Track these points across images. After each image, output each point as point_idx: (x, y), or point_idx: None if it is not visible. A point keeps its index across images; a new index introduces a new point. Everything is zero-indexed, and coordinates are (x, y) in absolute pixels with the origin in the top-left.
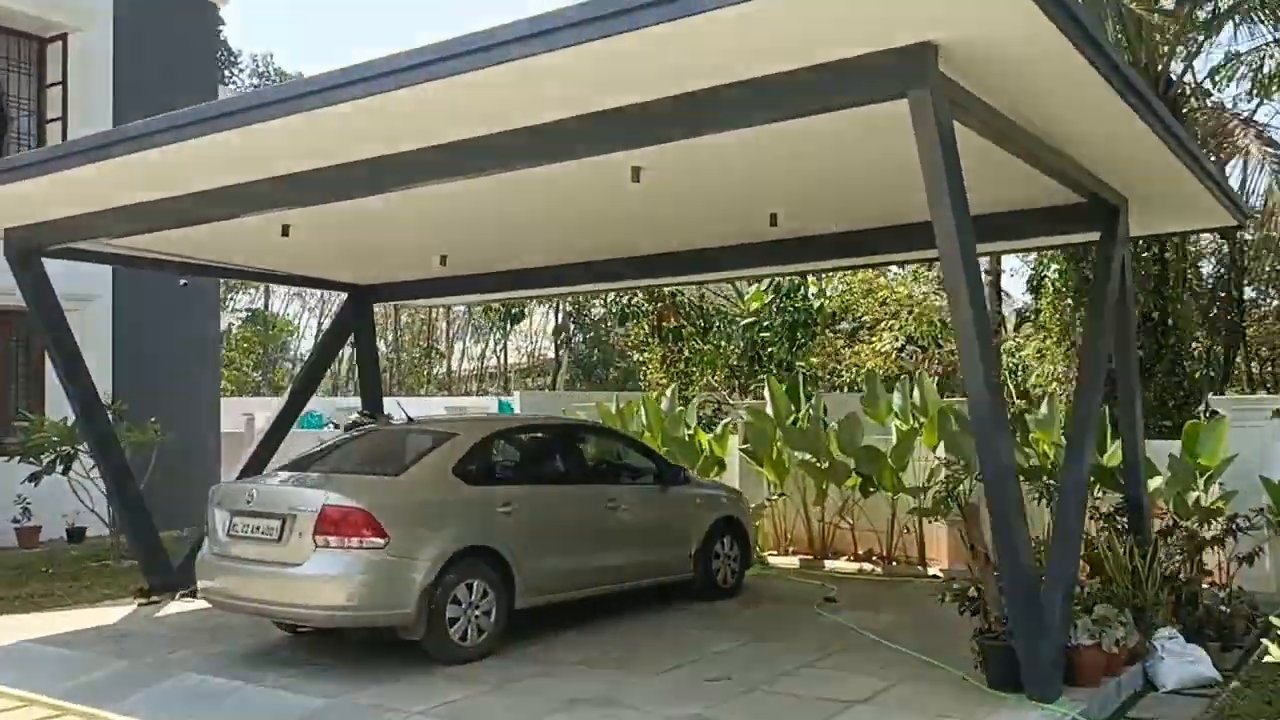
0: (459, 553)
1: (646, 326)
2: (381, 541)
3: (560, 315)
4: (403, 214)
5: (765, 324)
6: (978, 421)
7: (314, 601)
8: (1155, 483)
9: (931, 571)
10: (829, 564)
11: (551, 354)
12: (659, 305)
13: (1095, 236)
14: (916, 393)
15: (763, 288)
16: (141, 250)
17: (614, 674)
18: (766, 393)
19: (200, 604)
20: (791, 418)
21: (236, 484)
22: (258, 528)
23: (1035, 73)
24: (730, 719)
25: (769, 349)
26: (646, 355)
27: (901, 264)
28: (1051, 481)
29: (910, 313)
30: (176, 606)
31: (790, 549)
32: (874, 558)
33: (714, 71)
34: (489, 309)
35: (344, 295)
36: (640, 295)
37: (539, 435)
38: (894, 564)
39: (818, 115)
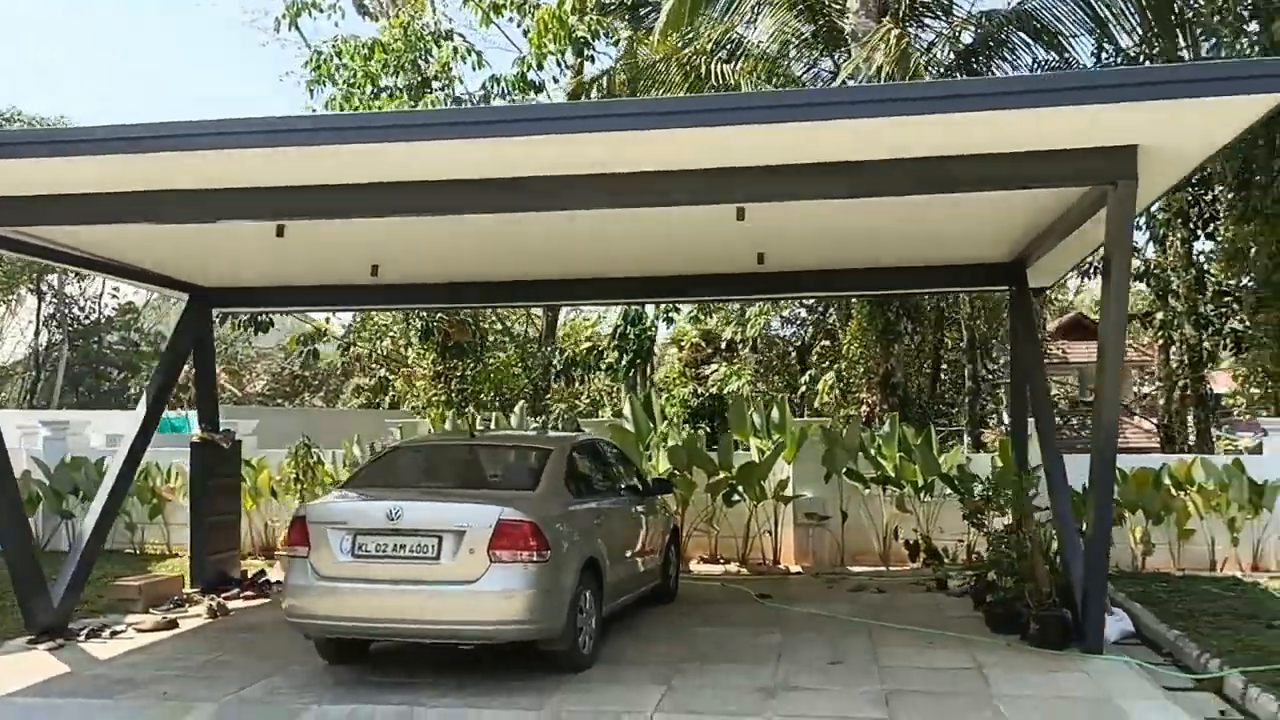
0: (584, 563)
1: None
2: (548, 554)
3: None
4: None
5: (603, 350)
6: (1104, 438)
7: (488, 618)
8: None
9: (793, 569)
10: (695, 568)
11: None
12: (445, 321)
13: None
14: (775, 413)
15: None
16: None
17: (734, 667)
18: (626, 409)
19: (144, 638)
20: (650, 435)
21: (362, 502)
22: (404, 546)
23: None
24: (906, 699)
25: (598, 372)
26: (418, 372)
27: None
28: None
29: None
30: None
31: None
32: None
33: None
34: None
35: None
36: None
37: (589, 449)
38: (761, 565)
39: None
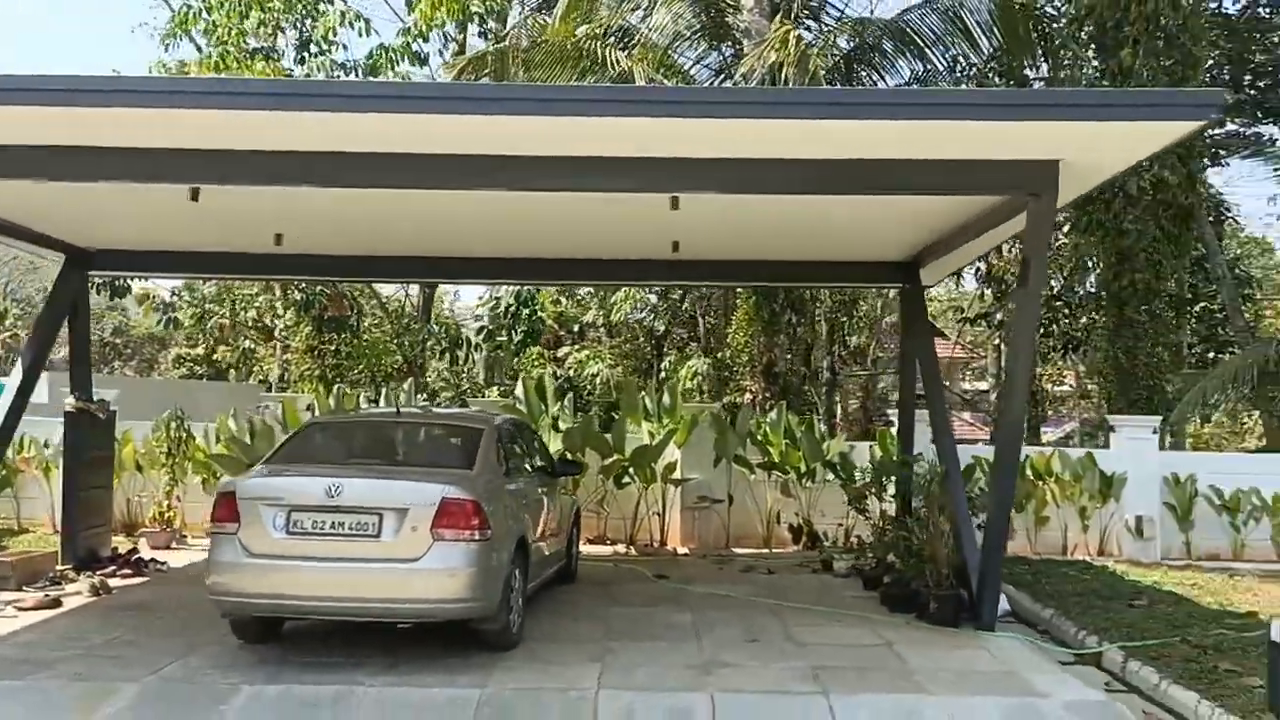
0: (516, 543)
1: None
2: (489, 533)
3: None
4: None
5: (495, 329)
6: (1009, 431)
7: (430, 595)
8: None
9: (681, 550)
10: (584, 549)
11: None
12: (325, 295)
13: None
14: (667, 398)
15: (495, 294)
16: None
17: (656, 645)
18: (519, 390)
19: (27, 617)
20: (542, 416)
21: (298, 478)
22: (343, 523)
23: None
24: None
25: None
26: (293, 345)
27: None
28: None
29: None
30: None
31: None
32: (622, 542)
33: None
34: None
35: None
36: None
37: (511, 429)
38: (648, 546)
39: None
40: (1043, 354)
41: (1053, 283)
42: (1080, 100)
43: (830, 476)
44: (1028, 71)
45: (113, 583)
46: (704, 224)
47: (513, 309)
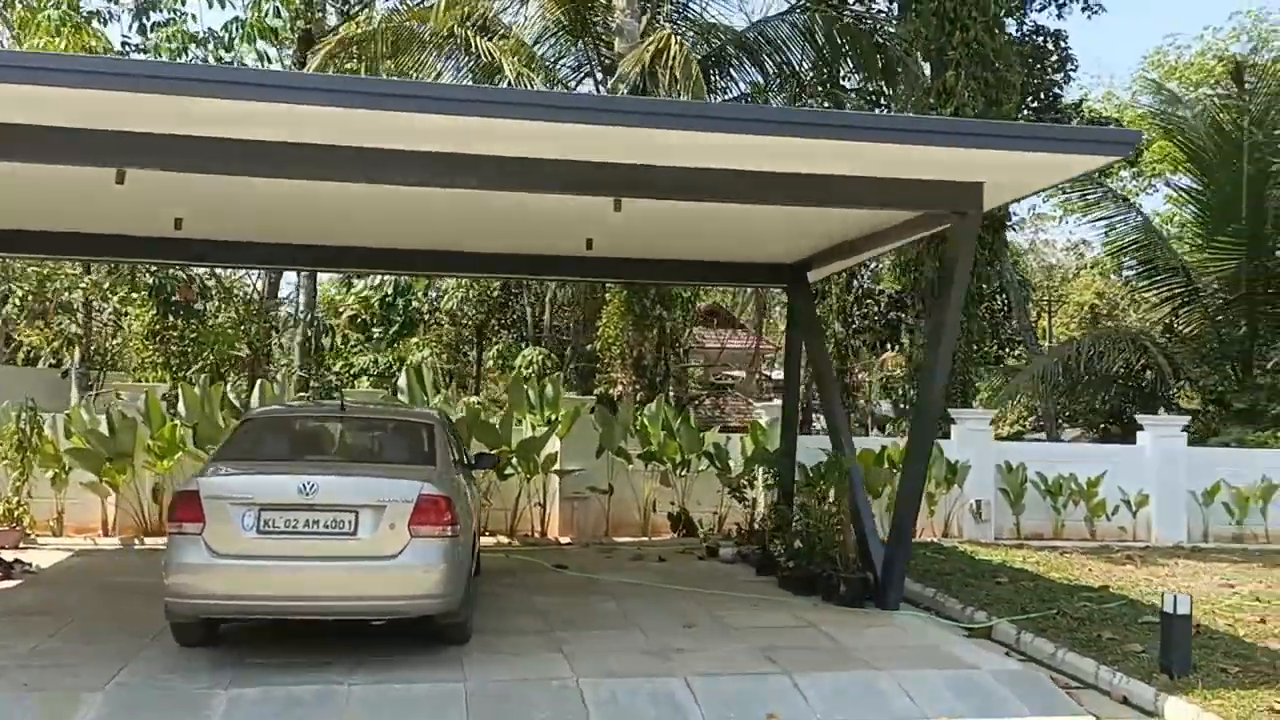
0: (472, 537)
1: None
2: (458, 528)
3: None
4: None
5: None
6: (924, 423)
7: (406, 592)
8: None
9: (564, 540)
10: None
11: None
12: (177, 279)
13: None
14: (550, 390)
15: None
16: None
17: (604, 634)
18: (402, 380)
19: None
20: (425, 406)
21: (268, 476)
22: (318, 521)
23: None
24: (783, 654)
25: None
26: (133, 329)
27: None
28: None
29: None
30: None
31: None
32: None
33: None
34: None
35: None
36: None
37: (448, 424)
38: (529, 537)
39: None
40: (854, 349)
41: (888, 284)
42: (1010, 132)
43: (704, 466)
44: (845, 83)
45: None
46: (621, 223)
47: (389, 299)
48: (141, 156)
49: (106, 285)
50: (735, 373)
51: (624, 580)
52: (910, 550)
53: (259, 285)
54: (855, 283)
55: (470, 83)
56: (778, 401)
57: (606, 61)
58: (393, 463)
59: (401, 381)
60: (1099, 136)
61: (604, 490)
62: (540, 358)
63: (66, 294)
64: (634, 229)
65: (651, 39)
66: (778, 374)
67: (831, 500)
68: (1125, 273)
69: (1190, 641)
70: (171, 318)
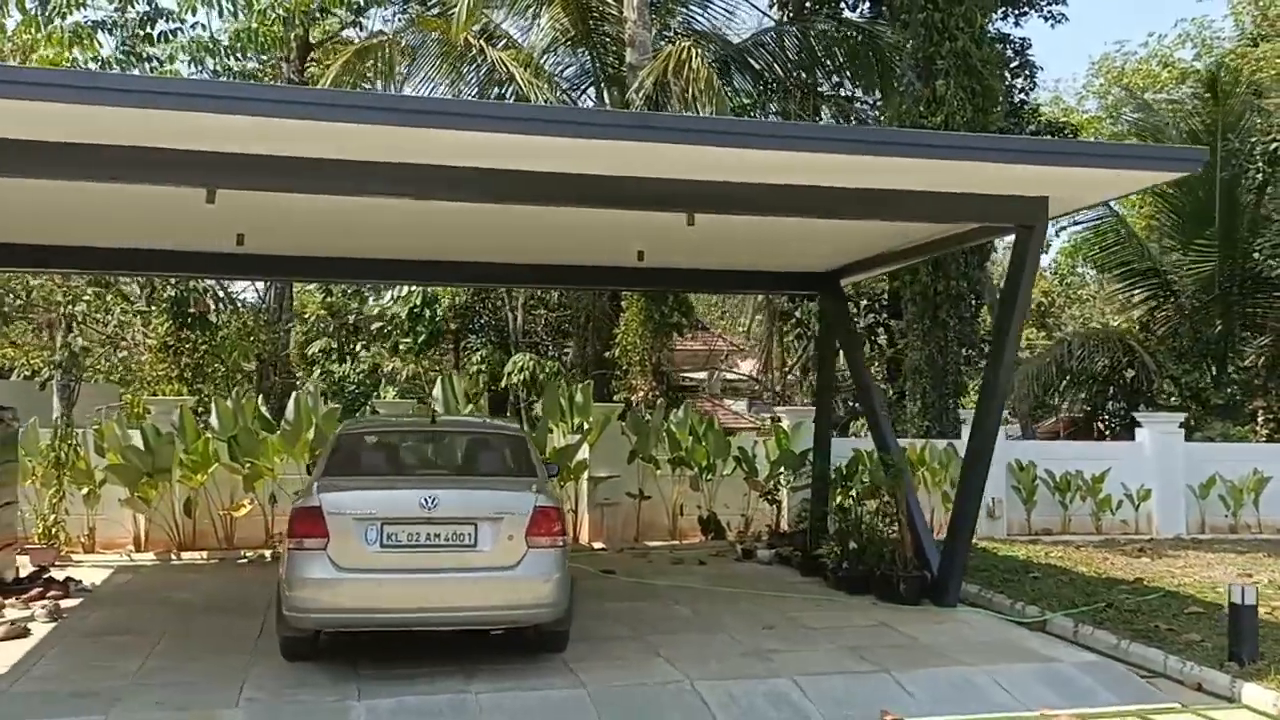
0: None
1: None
2: (567, 538)
3: None
4: None
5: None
6: (987, 427)
7: (525, 601)
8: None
9: (596, 545)
10: None
11: None
12: (194, 294)
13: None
14: (580, 397)
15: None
16: None
17: (692, 637)
18: (437, 390)
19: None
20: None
21: (390, 491)
22: (439, 534)
23: None
24: (874, 653)
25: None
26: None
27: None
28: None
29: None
30: None
31: None
32: None
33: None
34: None
35: None
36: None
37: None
38: None
39: None
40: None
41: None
42: (1083, 150)
43: (730, 470)
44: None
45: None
46: (672, 236)
47: (417, 310)
48: (222, 176)
49: (109, 298)
50: (697, 375)
51: (677, 584)
52: (967, 550)
53: (267, 296)
54: None
55: (478, 92)
56: (798, 406)
57: (610, 71)
58: (497, 474)
59: (436, 391)
60: (1167, 155)
61: (637, 496)
62: (531, 364)
63: (69, 307)
64: (682, 241)
65: (669, 51)
66: (731, 375)
67: (885, 500)
68: (1103, 275)
69: (1258, 630)
70: (186, 330)
